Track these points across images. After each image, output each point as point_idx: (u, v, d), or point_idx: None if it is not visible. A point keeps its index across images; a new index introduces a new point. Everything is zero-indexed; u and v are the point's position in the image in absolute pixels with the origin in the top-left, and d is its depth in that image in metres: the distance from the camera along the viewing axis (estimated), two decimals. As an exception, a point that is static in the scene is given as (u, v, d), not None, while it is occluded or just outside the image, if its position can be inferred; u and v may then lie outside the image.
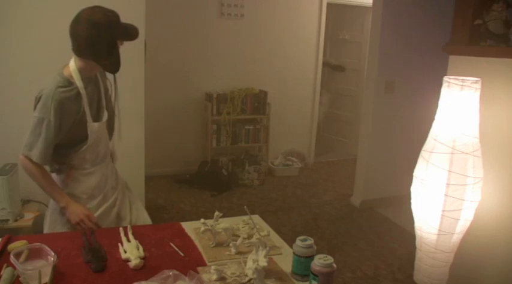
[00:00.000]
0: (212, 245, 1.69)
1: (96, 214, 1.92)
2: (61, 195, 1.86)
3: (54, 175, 1.92)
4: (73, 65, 1.80)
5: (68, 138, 1.80)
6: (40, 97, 1.75)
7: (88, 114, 1.83)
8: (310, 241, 1.50)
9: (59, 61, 2.93)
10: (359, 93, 5.81)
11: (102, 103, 1.95)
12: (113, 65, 1.80)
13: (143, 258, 1.55)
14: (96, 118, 1.91)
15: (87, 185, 1.93)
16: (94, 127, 1.87)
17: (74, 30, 1.73)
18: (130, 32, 1.80)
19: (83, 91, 1.80)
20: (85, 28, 1.71)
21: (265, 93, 5.05)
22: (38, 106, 1.74)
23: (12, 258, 1.41)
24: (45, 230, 1.96)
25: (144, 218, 2.14)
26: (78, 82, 1.78)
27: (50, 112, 1.72)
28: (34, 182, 1.84)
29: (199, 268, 1.52)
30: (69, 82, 1.77)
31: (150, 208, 3.57)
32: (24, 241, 1.60)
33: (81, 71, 1.80)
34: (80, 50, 1.76)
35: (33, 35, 2.90)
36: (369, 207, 4.33)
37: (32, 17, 2.89)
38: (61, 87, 1.75)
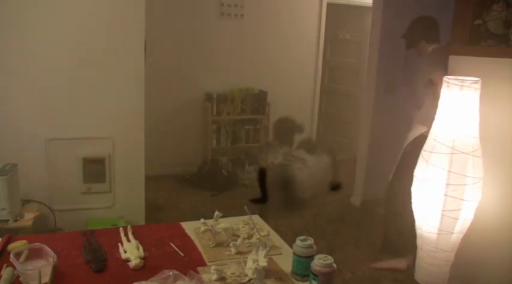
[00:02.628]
0: (212, 245, 1.69)
1: None
2: None
3: None
4: None
5: None
6: None
7: None
8: (310, 241, 1.50)
9: (59, 62, 2.97)
10: (359, 93, 5.81)
11: None
12: None
13: (143, 258, 1.55)
14: None
15: None
16: None
17: None
18: None
19: None
20: None
21: (265, 93, 5.04)
22: None
23: (12, 258, 1.40)
24: None
25: None
26: None
27: None
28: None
29: (199, 268, 1.52)
30: None
31: (150, 208, 3.58)
32: (24, 241, 1.60)
33: None
34: None
35: (34, 35, 2.90)
36: (369, 207, 4.32)
37: (32, 18, 2.89)
38: None
